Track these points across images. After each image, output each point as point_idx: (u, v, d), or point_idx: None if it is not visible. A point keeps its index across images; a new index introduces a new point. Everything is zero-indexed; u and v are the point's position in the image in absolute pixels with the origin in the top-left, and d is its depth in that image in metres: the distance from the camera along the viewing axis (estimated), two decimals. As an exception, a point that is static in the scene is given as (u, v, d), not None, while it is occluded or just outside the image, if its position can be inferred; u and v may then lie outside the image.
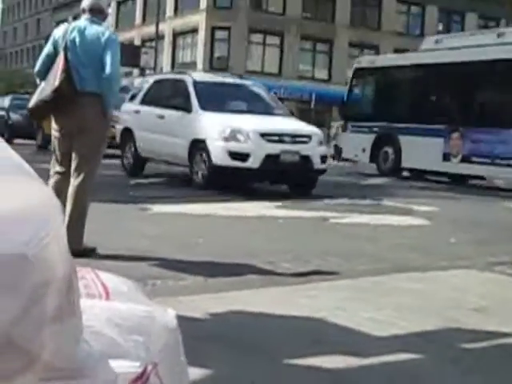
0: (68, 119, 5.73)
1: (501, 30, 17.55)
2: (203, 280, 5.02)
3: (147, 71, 41.77)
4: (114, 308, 1.33)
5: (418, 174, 17.87)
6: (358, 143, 19.19)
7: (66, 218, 5.66)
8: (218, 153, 11.78)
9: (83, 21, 5.90)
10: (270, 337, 3.63)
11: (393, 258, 6.30)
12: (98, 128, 5.76)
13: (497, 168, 15.61)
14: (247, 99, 13.72)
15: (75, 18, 6.00)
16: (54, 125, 5.90)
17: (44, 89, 5.66)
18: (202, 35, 45.92)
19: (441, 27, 52.69)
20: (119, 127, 14.84)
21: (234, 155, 11.68)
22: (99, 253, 5.69)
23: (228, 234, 7.45)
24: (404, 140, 17.62)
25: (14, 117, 25.31)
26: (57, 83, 5.53)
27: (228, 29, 45.40)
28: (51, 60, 5.76)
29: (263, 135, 11.80)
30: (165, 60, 49.22)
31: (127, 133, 14.53)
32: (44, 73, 5.78)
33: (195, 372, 2.88)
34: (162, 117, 13.35)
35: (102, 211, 7.83)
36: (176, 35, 49.35)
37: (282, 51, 46.65)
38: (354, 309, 4.26)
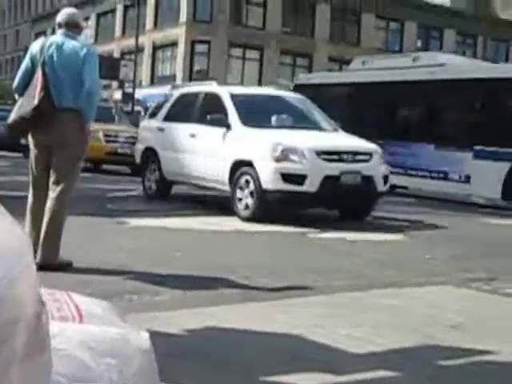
0: (46, 135, 5.71)
1: (416, 55, 19.90)
2: (180, 295, 4.99)
3: (126, 84, 41.75)
4: (87, 331, 1.31)
5: None
6: None
7: (43, 232, 5.64)
8: (269, 175, 10.16)
9: (59, 36, 5.88)
10: (247, 353, 3.61)
11: (369, 274, 6.31)
12: (77, 143, 5.75)
13: (410, 178, 17.53)
14: (291, 113, 11.95)
15: (54, 30, 5.98)
16: (31, 140, 5.88)
17: (22, 105, 5.64)
18: (181, 48, 45.95)
19: (419, 44, 53.12)
20: (140, 147, 13.50)
21: (288, 178, 10.07)
22: (75, 267, 5.65)
23: (205, 249, 7.42)
24: None
25: None
26: (36, 102, 5.53)
27: (208, 42, 45.47)
28: (29, 75, 5.75)
29: (320, 154, 10.24)
30: (144, 73, 49.21)
31: (149, 153, 12.96)
32: (22, 89, 5.77)
33: (171, 390, 2.86)
34: (193, 135, 11.75)
35: (78, 224, 7.79)
36: (156, 48, 49.35)
37: (261, 65, 46.76)
38: (331, 325, 4.25)
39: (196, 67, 45.79)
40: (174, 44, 46.87)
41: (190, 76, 45.39)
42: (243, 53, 46.66)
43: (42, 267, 5.48)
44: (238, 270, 6.00)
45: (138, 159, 13.58)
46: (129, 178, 17.48)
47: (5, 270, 1.02)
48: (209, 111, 11.49)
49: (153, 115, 13.72)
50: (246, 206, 10.43)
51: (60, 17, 5.98)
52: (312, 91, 17.82)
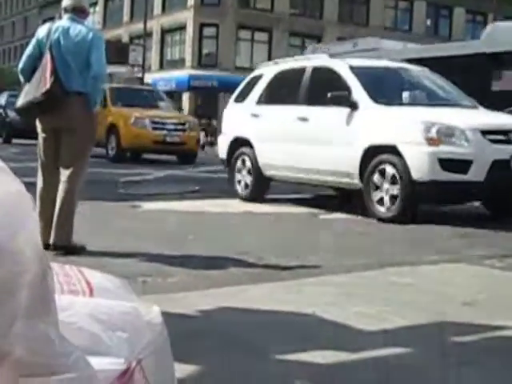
0: (55, 119, 5.74)
1: (355, 41, 22.11)
2: (193, 276, 5.00)
3: (135, 68, 41.71)
4: (98, 304, 1.31)
5: None
6: None
7: (55, 216, 5.67)
8: (422, 162, 8.26)
9: (66, 20, 5.89)
10: (260, 333, 3.62)
11: (381, 253, 6.30)
12: (85, 127, 5.77)
13: None
14: (421, 88, 10.07)
15: (61, 15, 6.01)
16: (39, 125, 5.90)
17: (30, 89, 5.65)
18: (190, 32, 45.87)
19: (429, 22, 52.82)
20: (226, 138, 11.44)
21: (448, 165, 8.17)
22: (89, 250, 5.68)
23: (217, 231, 7.44)
24: None
25: (12, 114, 24.78)
26: (48, 86, 5.53)
27: (216, 25, 45.36)
28: (34, 59, 5.77)
29: (485, 133, 8.36)
30: (153, 57, 49.17)
31: (240, 144, 10.96)
32: (28, 71, 5.78)
33: (185, 368, 2.87)
34: (304, 119, 9.76)
35: (91, 209, 7.82)
36: (164, 32, 49.28)
37: (270, 47, 46.64)
38: (344, 304, 4.25)
39: (205, 50, 45.72)
40: (182, 28, 46.80)
41: (200, 59, 45.35)
42: (252, 35, 46.53)
43: (55, 250, 5.57)
44: (249, 251, 6.00)
45: (222, 153, 11.45)
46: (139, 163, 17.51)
47: (7, 222, 1.02)
48: (323, 89, 9.56)
49: (240, 99, 11.43)
50: (388, 205, 8.56)
51: (65, 2, 5.99)
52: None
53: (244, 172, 10.89)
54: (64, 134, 5.79)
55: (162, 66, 48.92)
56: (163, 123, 18.93)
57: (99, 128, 18.49)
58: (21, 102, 5.72)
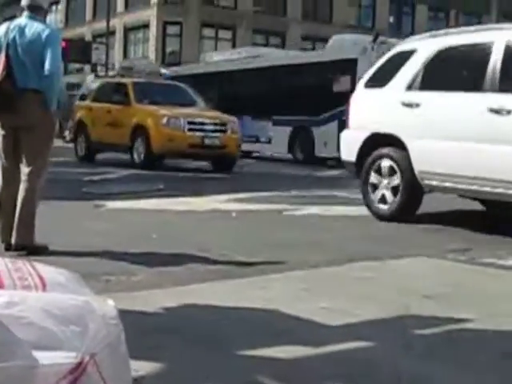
0: (11, 116, 5.71)
1: (240, 49, 27.81)
2: (157, 274, 4.99)
3: (98, 67, 41.43)
4: (50, 299, 1.30)
5: None
6: None
7: (16, 216, 5.62)
8: None
9: (23, 18, 5.87)
10: (225, 329, 3.62)
11: (345, 248, 6.33)
12: (43, 125, 5.73)
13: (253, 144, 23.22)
14: None
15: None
16: None
17: None
18: (153, 30, 45.66)
19: (392, 19, 53.14)
20: (353, 134, 8.93)
21: None
22: (51, 250, 5.63)
23: (181, 229, 7.42)
24: None
25: None
26: None
27: (180, 23, 45.20)
28: None
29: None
30: (116, 55, 48.82)
31: (379, 143, 8.41)
32: None
33: (146, 365, 2.87)
34: (497, 111, 7.20)
35: (54, 208, 7.75)
36: (127, 30, 49.01)
37: (234, 45, 46.56)
38: (308, 299, 4.26)
39: (168, 49, 45.57)
40: (145, 26, 46.57)
41: (163, 58, 45.16)
42: (215, 33, 46.45)
43: (17, 250, 5.52)
44: (214, 249, 6.00)
45: (348, 154, 8.94)
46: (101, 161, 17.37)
47: None
48: None
49: (376, 83, 8.79)
50: None
51: (23, 0, 5.96)
52: (182, 80, 21.63)
53: (386, 181, 8.37)
54: (23, 133, 5.75)
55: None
56: (201, 123, 16.03)
57: (121, 130, 16.06)
58: None
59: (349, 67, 19.44)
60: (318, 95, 20.68)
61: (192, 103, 17.49)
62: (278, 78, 22.94)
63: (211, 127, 16.07)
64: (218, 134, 16.04)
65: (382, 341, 3.47)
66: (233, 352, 3.25)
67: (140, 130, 16.11)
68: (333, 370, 3.08)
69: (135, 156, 16.33)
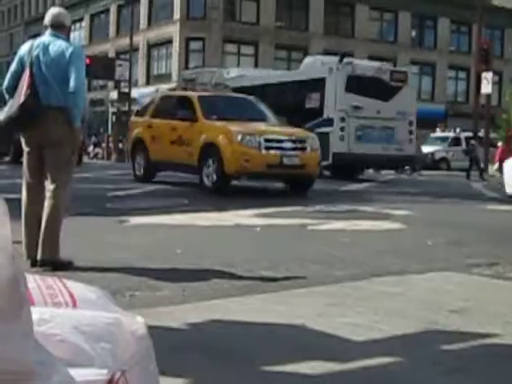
0: (35, 133, 5.78)
1: (227, 70, 27.12)
2: (181, 290, 4.99)
3: (122, 83, 41.71)
4: (81, 316, 1.31)
5: None
6: None
7: (42, 231, 5.66)
8: None
9: (47, 36, 5.94)
10: (250, 345, 3.61)
11: (370, 263, 6.31)
12: (67, 141, 5.79)
13: None
14: None
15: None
16: (23, 140, 5.94)
17: (12, 105, 5.68)
18: (176, 46, 45.96)
19: (414, 33, 53.09)
20: None
21: None
22: (76, 266, 5.66)
23: (205, 244, 7.42)
24: None
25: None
26: (22, 99, 5.58)
27: (202, 39, 45.47)
28: (18, 76, 5.81)
29: None
30: (140, 72, 49.18)
31: None
32: (12, 89, 5.81)
33: (173, 382, 2.86)
34: None
35: (79, 224, 7.80)
36: (150, 47, 49.36)
37: (256, 60, 46.75)
38: (333, 314, 4.25)
39: (191, 64, 45.79)
40: (168, 42, 46.89)
41: (186, 73, 45.29)
42: (238, 48, 46.66)
43: (43, 266, 5.55)
44: (238, 264, 6.00)
45: None
46: (129, 178, 17.43)
47: None
48: None
49: None
50: None
51: (46, 18, 6.05)
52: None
53: None
54: (47, 149, 5.81)
55: (148, 81, 48.95)
56: (279, 141, 14.30)
57: (187, 148, 14.70)
58: (2, 117, 5.74)
59: (318, 85, 21.52)
60: (293, 111, 21.04)
61: (263, 118, 15.79)
62: (263, 95, 23.28)
63: (290, 145, 14.33)
64: (297, 152, 14.37)
65: (410, 356, 3.44)
66: (258, 367, 3.24)
67: (210, 149, 14.27)
68: (359, 385, 3.06)
69: (205, 178, 14.41)
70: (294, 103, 22.11)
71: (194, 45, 45.87)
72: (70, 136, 5.80)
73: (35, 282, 1.32)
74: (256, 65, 46.39)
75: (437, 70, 52.69)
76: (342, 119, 21.10)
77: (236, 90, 24.57)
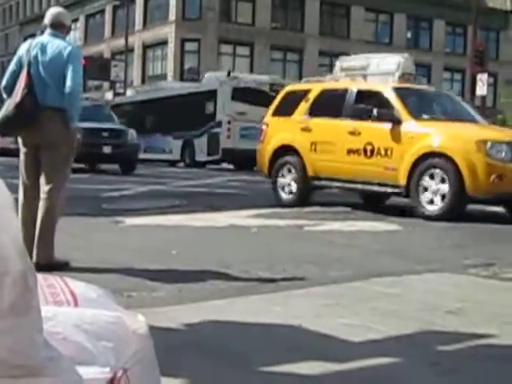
0: (32, 134, 5.75)
1: (153, 84, 39.89)
2: (178, 290, 4.98)
3: (117, 84, 41.68)
4: (82, 314, 1.30)
5: None
6: None
7: (37, 232, 5.64)
8: None
9: (46, 36, 5.92)
10: (246, 345, 3.60)
11: (367, 264, 6.31)
12: (63, 141, 5.77)
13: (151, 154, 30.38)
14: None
15: (43, 32, 6.04)
16: (20, 140, 5.92)
17: (9, 104, 5.67)
18: (171, 47, 45.92)
19: (409, 35, 53.15)
20: None
21: None
22: (73, 266, 5.65)
23: (201, 245, 7.41)
24: None
25: None
26: (18, 99, 5.57)
27: (198, 40, 45.46)
28: (16, 76, 5.79)
29: None
30: (135, 72, 49.14)
31: None
32: (10, 88, 5.79)
33: (170, 382, 2.85)
34: None
35: (74, 225, 7.78)
36: (146, 48, 49.32)
37: (252, 61, 46.75)
38: (330, 315, 4.24)
39: (187, 65, 45.77)
40: (163, 43, 46.86)
41: (181, 74, 45.36)
42: (233, 49, 46.66)
43: (38, 267, 5.53)
44: (234, 265, 5.99)
45: None
46: (120, 178, 17.38)
47: None
48: None
49: None
50: None
51: (46, 18, 6.03)
52: (118, 107, 31.62)
53: None
54: (43, 150, 5.79)
55: (143, 82, 48.90)
56: None
57: (386, 161, 10.75)
58: None
59: (212, 95, 27.26)
60: (197, 116, 27.96)
61: (473, 118, 12.30)
62: (174, 104, 29.97)
63: None
64: None
65: (407, 357, 3.44)
66: (255, 368, 3.23)
67: (433, 162, 10.47)
68: (356, 386, 3.06)
69: (424, 202, 10.47)
70: (198, 110, 27.99)
71: (189, 46, 45.86)
72: (67, 137, 5.78)
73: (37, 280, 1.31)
74: (251, 66, 46.44)
75: (432, 72, 52.76)
76: (229, 122, 26.61)
77: (155, 100, 31.96)
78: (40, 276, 1.35)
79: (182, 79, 44.59)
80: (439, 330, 3.97)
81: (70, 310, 1.33)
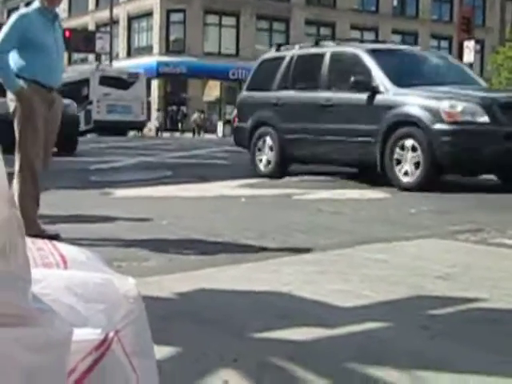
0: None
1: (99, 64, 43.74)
2: (168, 260, 4.99)
3: (102, 56, 41.45)
4: (73, 276, 1.29)
5: None
6: None
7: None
8: None
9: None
10: (237, 312, 3.61)
11: (356, 231, 6.32)
12: (13, 109, 5.62)
13: None
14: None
15: (27, 4, 5.92)
16: None
17: None
18: (157, 18, 45.58)
19: (395, 2, 52.91)
20: None
21: None
22: (62, 238, 5.62)
23: (191, 215, 7.41)
24: None
25: None
26: None
27: (183, 11, 45.12)
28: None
29: None
30: (120, 45, 48.77)
31: None
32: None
33: (162, 350, 2.86)
34: None
35: (63, 197, 7.76)
36: (131, 19, 48.92)
37: (238, 32, 46.50)
38: (320, 282, 4.25)
39: (172, 37, 45.46)
40: (149, 14, 46.50)
41: (167, 46, 45.08)
42: (219, 20, 46.34)
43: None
44: (224, 234, 5.99)
45: None
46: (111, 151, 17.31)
47: None
48: None
49: None
50: None
51: None
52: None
53: None
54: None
55: (129, 54, 48.59)
56: None
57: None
58: None
59: (88, 82, 35.43)
60: (81, 97, 33.13)
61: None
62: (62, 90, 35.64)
63: None
64: None
65: (397, 322, 3.46)
66: (245, 334, 3.24)
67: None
68: (347, 351, 3.07)
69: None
70: (82, 93, 34.34)
71: (174, 16, 45.52)
72: (12, 103, 5.60)
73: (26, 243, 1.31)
74: (237, 36, 46.18)
75: (419, 40, 52.63)
76: (98, 101, 35.07)
77: None
78: (28, 239, 1.35)
79: (167, 50, 44.37)
80: (429, 294, 3.99)
81: (60, 272, 1.32)
